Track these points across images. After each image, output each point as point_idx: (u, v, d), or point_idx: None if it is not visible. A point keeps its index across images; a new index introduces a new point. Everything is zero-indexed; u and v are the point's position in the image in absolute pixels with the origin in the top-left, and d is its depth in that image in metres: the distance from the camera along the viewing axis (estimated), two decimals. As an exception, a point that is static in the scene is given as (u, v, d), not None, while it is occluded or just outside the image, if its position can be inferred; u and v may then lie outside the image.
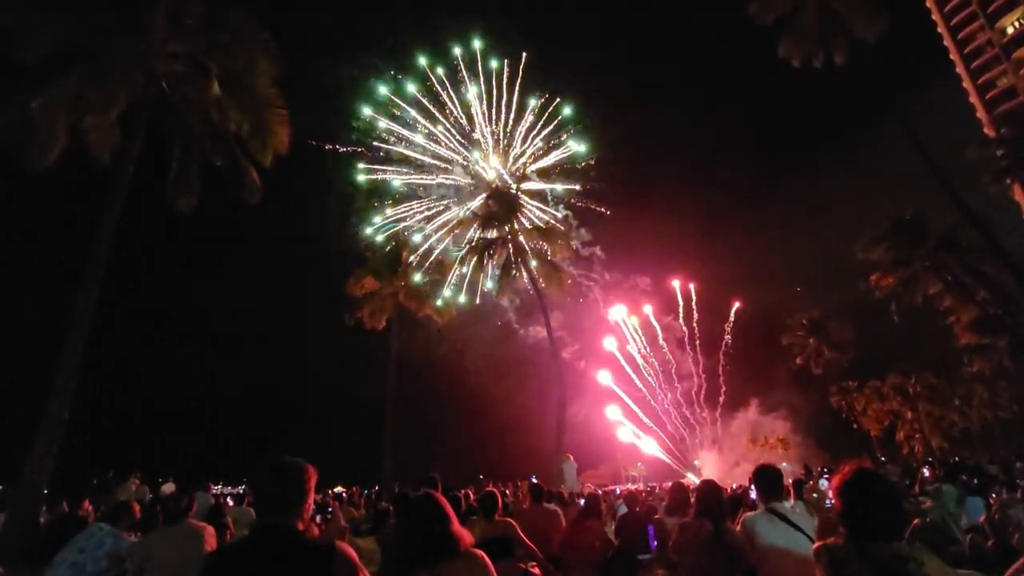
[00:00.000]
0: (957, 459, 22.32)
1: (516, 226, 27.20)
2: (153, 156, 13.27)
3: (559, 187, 45.20)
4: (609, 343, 41.89)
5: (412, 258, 27.37)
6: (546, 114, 45.03)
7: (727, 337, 44.40)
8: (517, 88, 44.55)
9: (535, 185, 44.85)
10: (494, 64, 44.92)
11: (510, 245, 26.76)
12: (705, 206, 69.53)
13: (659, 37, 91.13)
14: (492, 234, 27.12)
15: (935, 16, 65.00)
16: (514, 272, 26.72)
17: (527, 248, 26.93)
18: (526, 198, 25.82)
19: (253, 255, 68.08)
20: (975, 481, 11.11)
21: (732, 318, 44.65)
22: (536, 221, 38.44)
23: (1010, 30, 58.89)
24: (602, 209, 45.26)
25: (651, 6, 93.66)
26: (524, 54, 44.10)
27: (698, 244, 59.47)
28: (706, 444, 42.57)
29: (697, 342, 44.15)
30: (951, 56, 64.00)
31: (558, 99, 44.59)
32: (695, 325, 44.54)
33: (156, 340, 57.93)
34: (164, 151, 13.24)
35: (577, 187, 45.03)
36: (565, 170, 45.35)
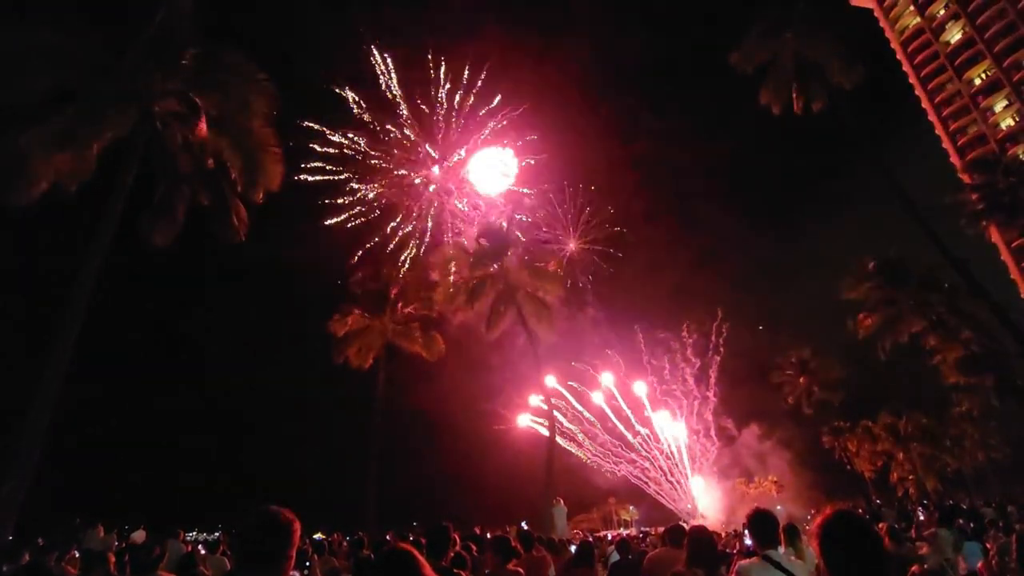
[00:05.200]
0: (952, 502, 22.04)
1: (507, 265, 27.14)
2: (144, 191, 13.25)
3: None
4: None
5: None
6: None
7: (713, 375, 44.65)
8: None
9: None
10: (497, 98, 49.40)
11: (500, 284, 26.69)
12: (689, 250, 71.05)
13: (644, 81, 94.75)
14: (484, 271, 27.03)
15: (906, 68, 68.26)
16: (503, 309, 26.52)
17: (518, 287, 26.81)
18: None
19: (233, 292, 67.42)
20: (972, 525, 10.89)
21: (720, 354, 44.98)
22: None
23: (977, 81, 61.94)
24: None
25: (636, 55, 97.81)
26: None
27: (684, 286, 60.32)
28: (704, 476, 42.28)
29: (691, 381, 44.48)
30: (924, 105, 66.93)
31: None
32: (690, 358, 45.01)
33: (126, 380, 56.27)
34: (154, 187, 13.23)
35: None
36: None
